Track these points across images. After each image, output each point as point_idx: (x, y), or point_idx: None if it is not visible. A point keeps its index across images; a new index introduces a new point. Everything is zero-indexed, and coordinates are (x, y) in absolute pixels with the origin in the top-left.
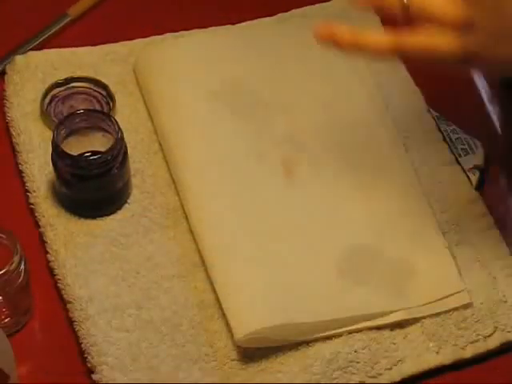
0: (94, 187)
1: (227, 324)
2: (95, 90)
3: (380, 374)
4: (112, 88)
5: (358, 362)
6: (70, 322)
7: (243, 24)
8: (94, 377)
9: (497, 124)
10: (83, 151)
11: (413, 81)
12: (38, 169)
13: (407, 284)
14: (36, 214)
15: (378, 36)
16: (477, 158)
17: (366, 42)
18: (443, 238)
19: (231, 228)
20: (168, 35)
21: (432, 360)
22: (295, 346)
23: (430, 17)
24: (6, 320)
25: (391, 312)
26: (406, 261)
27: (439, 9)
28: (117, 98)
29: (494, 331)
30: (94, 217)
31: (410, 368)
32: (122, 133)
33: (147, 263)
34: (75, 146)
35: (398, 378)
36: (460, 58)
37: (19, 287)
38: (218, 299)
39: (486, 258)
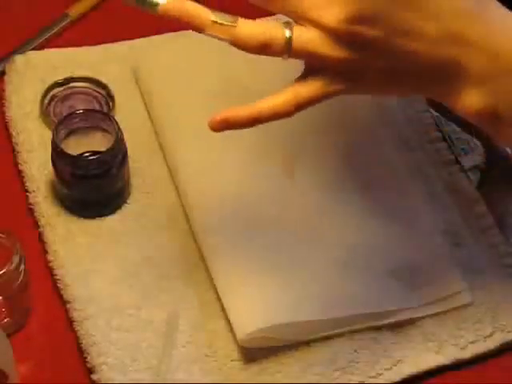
0: (93, 187)
1: (227, 324)
2: (95, 90)
3: (380, 374)
4: (112, 88)
5: (357, 362)
6: (70, 321)
7: None
8: (94, 377)
9: None
10: (83, 151)
11: None
12: (38, 169)
13: (407, 284)
14: (36, 214)
15: (272, 101)
16: (477, 158)
17: (262, 112)
18: (443, 238)
19: (231, 227)
20: (168, 35)
21: (432, 360)
22: (295, 345)
23: (312, 56)
24: (6, 320)
25: (391, 312)
26: (406, 261)
27: (322, 50)
28: (117, 98)
29: (494, 331)
30: (93, 217)
31: (410, 368)
32: (121, 133)
33: (147, 263)
34: (75, 146)
35: (397, 378)
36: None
37: (19, 287)
38: (218, 299)
39: (486, 258)
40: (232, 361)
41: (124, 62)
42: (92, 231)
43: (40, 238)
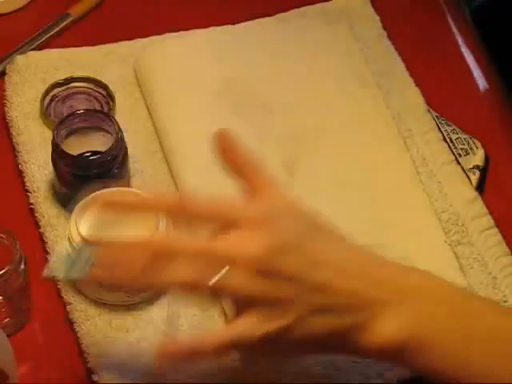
0: (94, 187)
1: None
2: (95, 90)
3: (380, 374)
4: (112, 88)
5: (358, 362)
6: (70, 322)
7: (243, 24)
8: (94, 377)
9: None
10: (83, 151)
11: (413, 81)
12: (38, 169)
13: None
14: (36, 214)
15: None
16: (477, 158)
17: (205, 345)
18: (444, 236)
19: None
20: (168, 35)
21: None
22: None
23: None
24: (6, 320)
25: None
26: (408, 259)
27: (246, 287)
28: (117, 98)
29: None
30: None
31: None
32: (121, 133)
33: None
34: (75, 146)
35: (398, 378)
36: None
37: (19, 287)
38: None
39: (485, 258)
40: (232, 361)
41: (124, 62)
42: None
43: (40, 238)
